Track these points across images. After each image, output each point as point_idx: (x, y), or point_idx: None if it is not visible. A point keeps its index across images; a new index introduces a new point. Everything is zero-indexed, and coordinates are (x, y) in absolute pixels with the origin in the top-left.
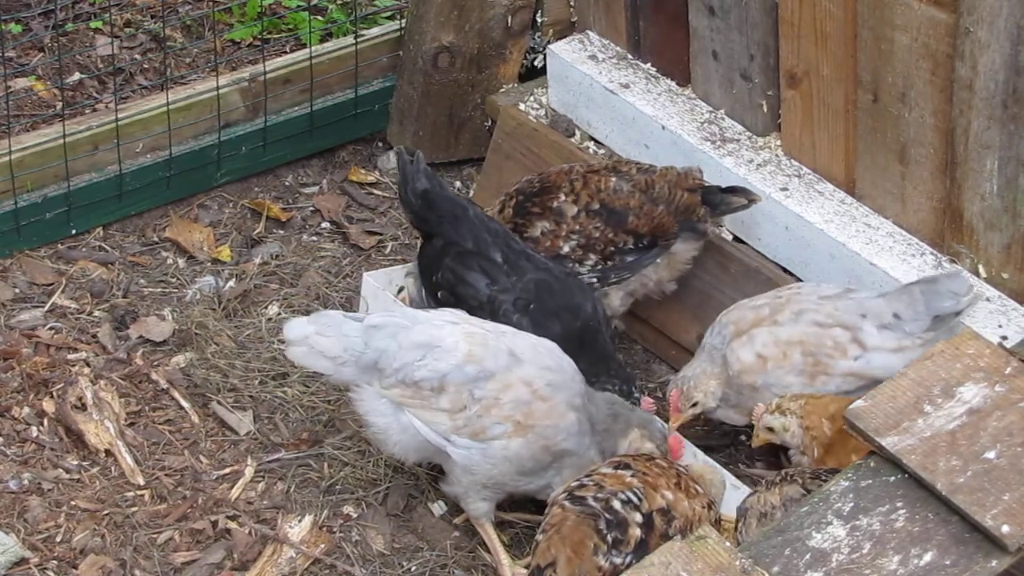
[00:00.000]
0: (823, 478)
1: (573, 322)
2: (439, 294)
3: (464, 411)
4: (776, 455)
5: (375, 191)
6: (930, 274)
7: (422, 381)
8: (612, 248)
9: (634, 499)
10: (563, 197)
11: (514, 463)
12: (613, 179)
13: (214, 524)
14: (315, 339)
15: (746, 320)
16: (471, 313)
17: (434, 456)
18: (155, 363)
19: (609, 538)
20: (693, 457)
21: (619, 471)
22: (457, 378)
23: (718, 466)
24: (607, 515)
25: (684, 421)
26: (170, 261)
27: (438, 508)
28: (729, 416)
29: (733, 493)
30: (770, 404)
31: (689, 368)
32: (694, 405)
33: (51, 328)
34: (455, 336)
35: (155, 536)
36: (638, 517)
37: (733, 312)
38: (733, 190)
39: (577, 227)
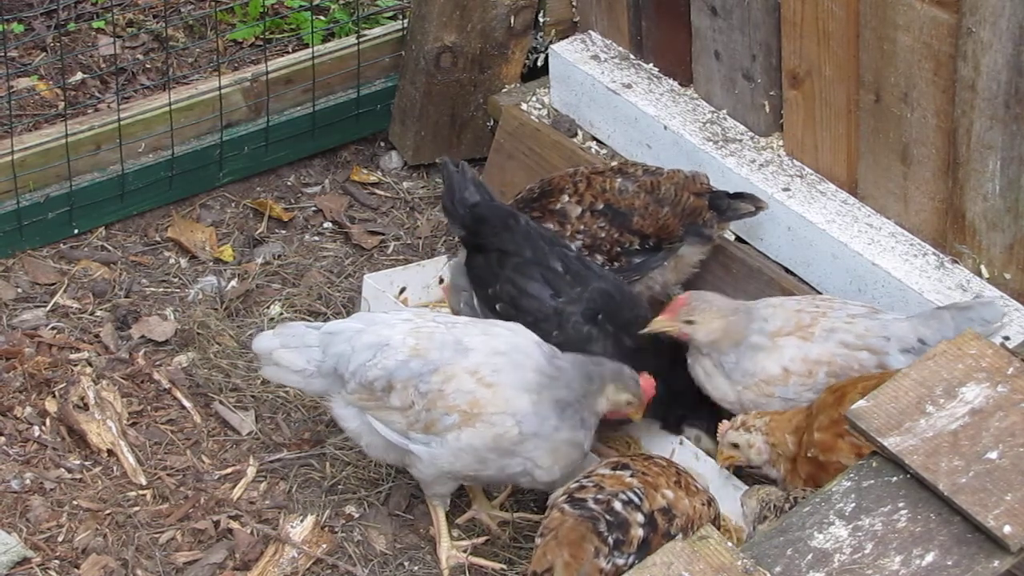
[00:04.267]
0: None
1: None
2: (498, 307)
3: (413, 407)
4: None
5: (377, 191)
6: (965, 300)
7: (374, 381)
8: (618, 249)
9: (635, 499)
10: (566, 198)
11: (470, 453)
12: (618, 180)
13: (216, 524)
14: (279, 353)
15: (790, 323)
16: (536, 325)
17: (404, 456)
18: (157, 363)
19: (610, 539)
20: (695, 459)
21: (618, 472)
22: (403, 374)
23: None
24: (608, 516)
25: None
26: (172, 261)
27: None
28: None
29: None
30: (734, 421)
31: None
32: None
33: (53, 328)
34: (403, 333)
35: (157, 536)
36: (640, 517)
37: (777, 310)
38: (740, 196)
39: (582, 227)
